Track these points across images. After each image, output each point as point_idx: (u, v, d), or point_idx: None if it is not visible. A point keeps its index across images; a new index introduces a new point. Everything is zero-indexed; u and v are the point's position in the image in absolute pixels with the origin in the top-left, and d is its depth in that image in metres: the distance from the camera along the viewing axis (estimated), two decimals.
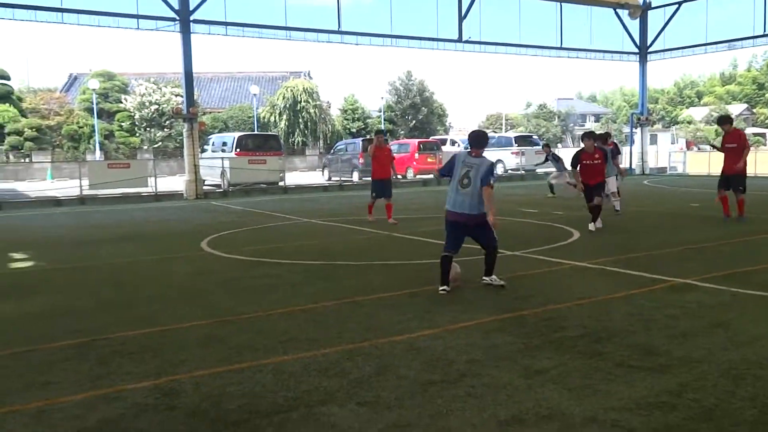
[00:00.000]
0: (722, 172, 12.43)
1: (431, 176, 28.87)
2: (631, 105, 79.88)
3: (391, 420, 3.63)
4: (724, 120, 12.81)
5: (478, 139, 7.03)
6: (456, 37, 26.94)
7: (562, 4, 29.07)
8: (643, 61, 31.97)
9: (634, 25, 31.26)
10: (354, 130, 52.17)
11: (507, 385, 4.11)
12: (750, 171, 26.36)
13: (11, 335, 5.61)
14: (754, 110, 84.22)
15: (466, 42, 27.13)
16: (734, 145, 12.19)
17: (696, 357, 4.54)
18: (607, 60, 32.22)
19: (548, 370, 4.36)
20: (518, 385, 4.10)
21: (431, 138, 42.81)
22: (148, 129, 45.80)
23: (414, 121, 57.45)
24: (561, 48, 29.86)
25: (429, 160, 29.82)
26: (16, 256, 10.30)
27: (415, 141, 32.74)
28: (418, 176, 29.41)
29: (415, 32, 26.47)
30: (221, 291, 7.27)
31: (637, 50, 31.67)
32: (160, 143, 45.29)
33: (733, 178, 12.19)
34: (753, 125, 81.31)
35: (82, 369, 4.59)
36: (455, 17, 26.79)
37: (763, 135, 75.34)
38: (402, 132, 55.68)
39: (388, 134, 49.94)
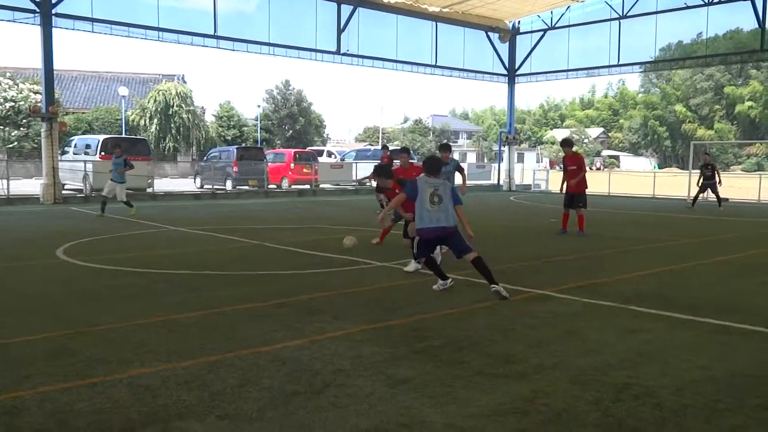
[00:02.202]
0: (565, 191, 13.37)
1: (306, 186, 28.81)
2: (500, 124, 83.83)
3: None
4: (565, 143, 13.84)
5: (436, 164, 7.74)
6: (334, 49, 27.11)
7: (438, 23, 30.03)
8: (511, 83, 33.64)
9: (503, 48, 32.85)
10: (229, 138, 51.07)
11: (370, 394, 4.13)
12: (604, 190, 28.46)
13: None
14: (610, 134, 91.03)
15: (344, 54, 27.36)
16: (573, 166, 13.15)
17: (549, 364, 4.78)
18: (478, 80, 33.60)
19: (411, 379, 4.43)
20: (381, 394, 4.13)
21: (308, 148, 42.74)
22: (2, 127, 42.46)
23: (291, 131, 57.17)
24: (435, 66, 30.80)
25: (305, 170, 29.74)
26: None
27: (292, 151, 32.56)
28: (293, 186, 29.23)
29: (294, 42, 26.36)
30: (75, 301, 6.84)
31: (506, 72, 33.27)
32: (16, 143, 42.12)
33: (575, 196, 13.13)
34: (608, 148, 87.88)
35: None
36: (334, 30, 26.97)
37: (616, 157, 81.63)
38: (278, 142, 55.18)
39: (264, 143, 49.35)
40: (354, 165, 31.01)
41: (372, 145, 54.54)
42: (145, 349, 5.03)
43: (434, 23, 30.00)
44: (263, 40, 25.52)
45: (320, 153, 40.02)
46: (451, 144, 12.30)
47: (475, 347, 5.20)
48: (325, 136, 65.34)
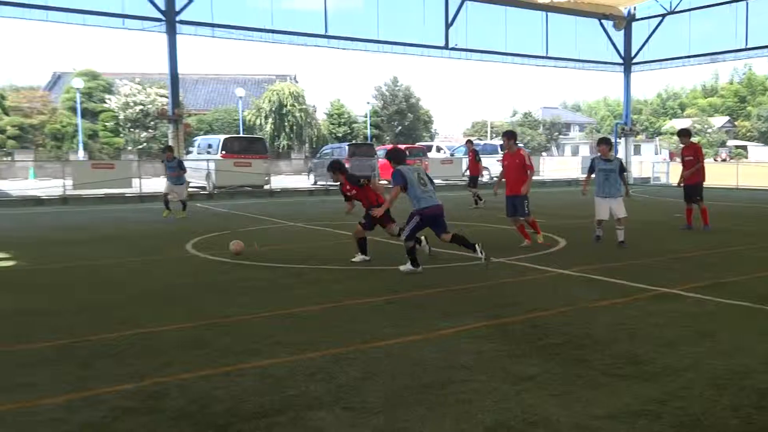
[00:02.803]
0: (684, 184, 12.59)
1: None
2: (615, 115, 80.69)
3: (378, 425, 3.62)
4: (682, 133, 13.02)
5: (401, 153, 8.83)
6: (442, 44, 27.06)
7: (548, 13, 29.30)
8: (627, 72, 32.30)
9: (618, 36, 31.59)
10: (340, 135, 52.13)
11: (493, 391, 4.11)
12: (731, 183, 26.75)
13: None
14: (736, 123, 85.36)
15: (452, 49, 27.26)
16: (690, 157, 12.39)
17: (680, 366, 4.57)
18: (591, 70, 32.53)
19: (534, 377, 4.37)
20: (505, 391, 4.11)
21: (417, 144, 42.89)
22: (132, 130, 45.47)
23: (400, 127, 57.57)
24: (546, 57, 30.10)
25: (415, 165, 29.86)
26: None
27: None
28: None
29: (402, 38, 26.54)
30: (206, 293, 7.22)
31: (621, 61, 31.98)
32: (145, 144, 44.97)
33: (690, 188, 12.44)
34: (735, 138, 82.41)
35: (64, 370, 4.54)
36: (442, 24, 26.92)
37: (744, 148, 76.36)
38: (387, 138, 55.74)
39: (374, 139, 50.07)
40: (464, 160, 30.79)
41: (481, 140, 54.02)
42: (273, 341, 5.24)
43: (545, 13, 29.29)
44: (372, 38, 25.86)
45: (429, 148, 40.06)
46: (607, 138, 10.91)
47: (597, 346, 5.06)
48: (433, 131, 65.37)
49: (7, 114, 44.33)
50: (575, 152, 77.14)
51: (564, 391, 4.10)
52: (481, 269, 8.19)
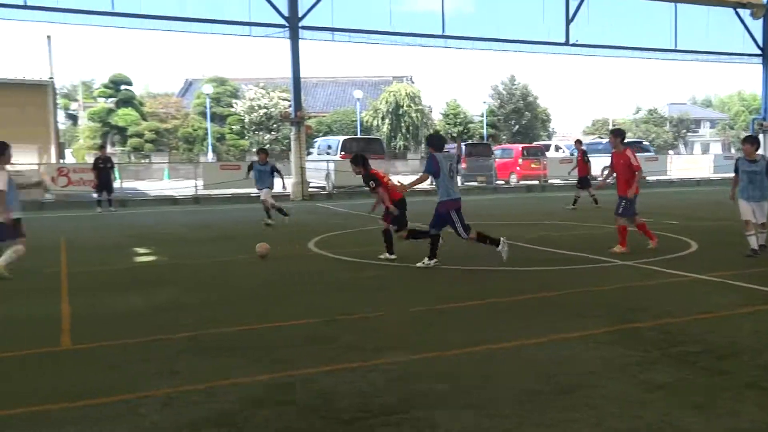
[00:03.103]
0: None
1: (535, 182, 28.37)
2: (750, 110, 75.26)
3: (504, 427, 3.58)
4: None
5: (442, 140, 9.19)
6: (562, 40, 26.33)
7: (677, 4, 27.80)
8: (766, 64, 30.07)
9: (756, 26, 29.45)
10: (455, 135, 51.98)
11: (624, 398, 3.96)
12: None
13: (138, 325, 5.96)
14: None
15: (573, 45, 26.46)
16: None
17: None
18: (725, 62, 30.59)
19: (668, 385, 4.17)
20: (636, 398, 3.95)
21: (534, 143, 42.02)
22: (256, 132, 47.49)
23: (517, 126, 56.61)
24: (675, 50, 28.57)
25: (533, 165, 29.27)
26: (140, 251, 10.94)
27: (519, 146, 32.22)
28: (521, 182, 28.94)
29: (520, 36, 26.08)
30: (329, 290, 7.43)
31: (759, 52, 29.80)
32: (268, 146, 46.85)
33: None
34: None
35: (203, 361, 4.81)
36: (562, 20, 26.19)
37: None
38: (504, 137, 54.99)
39: (490, 139, 49.57)
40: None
41: (602, 138, 52.11)
42: (396, 340, 5.31)
43: (673, 4, 27.80)
44: (489, 36, 25.58)
45: (547, 147, 39.12)
46: (753, 136, 9.81)
47: (740, 356, 4.75)
48: (550, 130, 63.77)
49: (145, 119, 47.55)
50: (705, 150, 72.75)
51: (703, 402, 3.89)
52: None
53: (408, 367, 4.58)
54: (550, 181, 28.79)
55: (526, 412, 3.77)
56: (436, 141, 8.96)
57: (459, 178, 28.07)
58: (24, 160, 21.20)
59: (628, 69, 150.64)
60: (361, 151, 25.66)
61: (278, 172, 14.87)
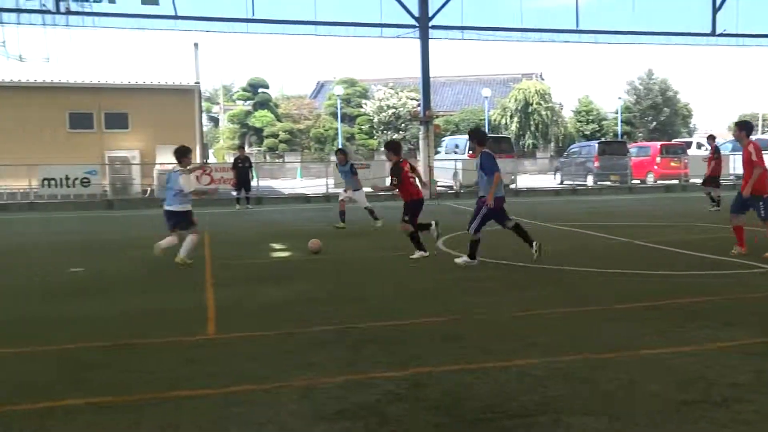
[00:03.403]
0: None
1: (674, 181, 26.88)
2: None
3: None
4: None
5: (486, 135, 9.39)
6: (708, 30, 24.73)
7: None
8: None
9: None
10: (588, 133, 50.24)
11: None
12: None
13: (276, 318, 6.24)
14: None
15: (720, 35, 24.77)
16: None
17: None
18: None
19: None
20: None
21: (674, 141, 39.76)
22: (384, 132, 48.27)
23: (654, 123, 53.83)
24: None
25: (672, 164, 27.72)
26: (277, 246, 11.45)
27: (657, 144, 30.62)
28: (659, 181, 27.50)
29: (660, 27, 24.76)
30: (458, 290, 7.42)
31: None
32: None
33: None
34: None
35: (339, 354, 4.96)
36: (708, 9, 24.59)
37: None
38: (640, 134, 52.47)
39: (625, 137, 47.43)
40: (731, 158, 27.88)
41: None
42: (528, 341, 5.22)
43: None
44: (626, 29, 24.50)
45: (688, 145, 36.88)
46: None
47: None
48: (691, 126, 60.06)
49: (279, 120, 49.68)
50: None
51: None
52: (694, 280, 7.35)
53: (541, 370, 4.49)
54: (691, 180, 27.16)
55: (668, 424, 3.58)
56: (482, 136, 9.21)
57: (591, 177, 27.32)
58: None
59: None
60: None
61: (354, 172, 14.10)
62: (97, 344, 5.34)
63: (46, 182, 21.15)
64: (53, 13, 21.01)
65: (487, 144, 9.08)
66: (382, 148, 45.07)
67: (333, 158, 43.94)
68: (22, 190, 21.63)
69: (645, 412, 3.74)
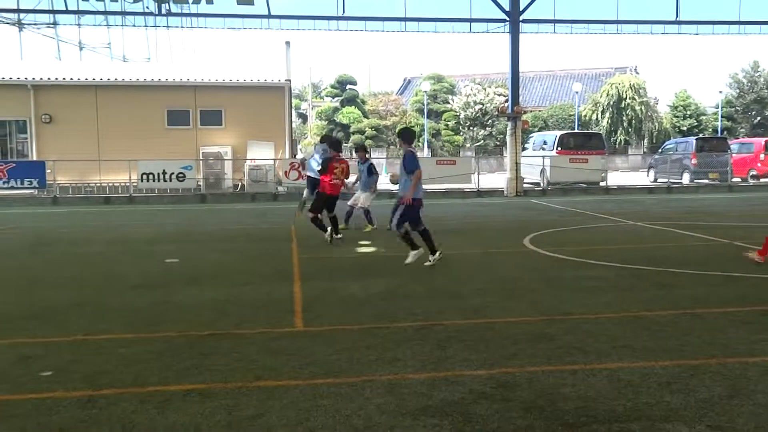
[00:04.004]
0: None
1: None
2: None
3: None
4: None
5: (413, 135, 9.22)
6: None
7: None
8: None
9: None
10: (684, 128, 48.07)
11: None
12: None
13: (361, 312, 6.29)
14: None
15: None
16: None
17: None
18: None
19: None
20: None
21: None
22: (471, 128, 47.85)
23: (758, 118, 50.86)
24: None
25: None
26: (361, 241, 11.54)
27: (762, 140, 28.91)
28: (763, 179, 25.99)
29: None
30: (546, 288, 7.25)
31: None
32: (482, 141, 46.99)
33: None
34: None
35: (424, 350, 4.94)
36: None
37: None
38: (742, 130, 49.73)
39: (725, 132, 45.07)
40: None
41: None
42: (620, 344, 5.03)
43: None
44: (730, 19, 23.26)
45: None
46: None
47: None
48: None
49: (366, 116, 50.11)
50: None
51: None
52: None
53: (635, 374, 4.32)
54: None
55: None
56: (409, 135, 9.15)
57: (687, 175, 26.12)
58: (264, 155, 23.41)
59: None
60: (579, 147, 24.85)
61: (374, 172, 13.12)
62: (193, 333, 5.54)
63: (144, 176, 22.16)
64: (155, 14, 21.99)
65: (413, 144, 9.35)
66: (468, 144, 44.73)
67: (419, 154, 43.99)
68: (123, 184, 22.77)
69: (749, 424, 3.53)
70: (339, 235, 11.03)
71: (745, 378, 4.24)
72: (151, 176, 22.23)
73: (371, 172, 12.95)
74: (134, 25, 24.13)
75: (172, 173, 22.24)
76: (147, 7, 22.08)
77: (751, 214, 15.22)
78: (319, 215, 11.23)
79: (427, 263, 8.63)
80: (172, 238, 12.47)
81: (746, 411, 3.71)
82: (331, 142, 11.87)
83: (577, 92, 46.59)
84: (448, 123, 49.04)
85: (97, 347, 5.21)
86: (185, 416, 3.76)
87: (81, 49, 43.36)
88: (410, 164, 8.65)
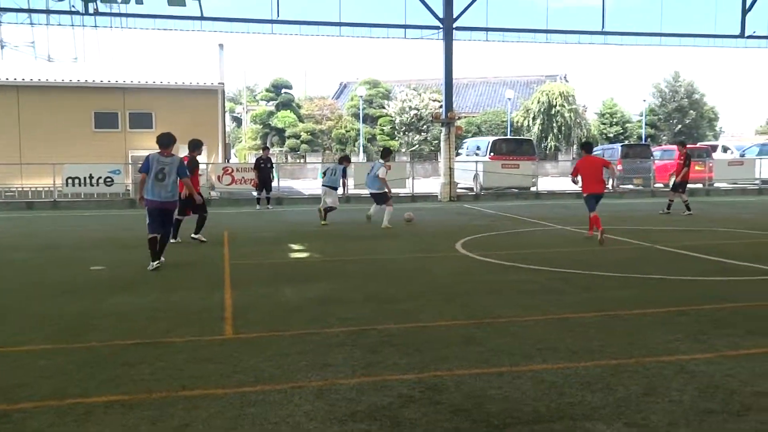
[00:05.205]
0: None
1: (699, 185, 26.50)
2: None
3: None
4: None
5: (170, 139, 9.14)
6: (737, 32, 24.37)
7: None
8: None
9: None
10: (611, 135, 49.75)
11: None
12: None
13: (293, 318, 6.25)
14: None
15: (750, 37, 24.40)
16: None
17: None
18: None
19: None
20: None
21: (699, 144, 39.20)
22: (406, 133, 48.22)
23: (679, 126, 53.15)
24: None
25: (697, 168, 27.28)
26: (296, 246, 11.48)
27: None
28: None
29: (688, 29, 24.48)
30: (477, 292, 7.38)
31: None
32: (417, 146, 47.41)
33: None
34: None
35: (355, 355, 4.95)
36: (737, 10, 24.23)
37: None
38: (665, 137, 51.84)
39: (649, 140, 46.88)
40: (757, 161, 27.46)
41: None
42: (546, 346, 5.17)
43: None
44: (653, 31, 24.23)
45: (714, 148, 36.37)
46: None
47: None
48: (717, 129, 59.19)
49: (301, 121, 49.84)
50: None
51: None
52: None
53: (558, 375, 4.44)
54: (716, 184, 26.80)
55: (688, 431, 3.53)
56: (163, 138, 9.19)
57: (613, 180, 27.01)
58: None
59: None
60: (511, 153, 25.33)
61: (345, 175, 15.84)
62: (118, 342, 5.39)
63: (70, 181, 21.41)
64: (82, 14, 21.28)
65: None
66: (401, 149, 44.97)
67: (354, 159, 44.03)
68: (47, 189, 21.93)
69: (663, 421, 3.69)
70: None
71: (660, 376, 4.43)
72: (77, 181, 21.50)
73: (345, 175, 15.79)
74: (60, 24, 23.23)
75: (100, 177, 21.57)
76: (73, 6, 21.33)
77: (671, 219, 15.87)
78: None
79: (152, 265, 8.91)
80: (99, 244, 12.10)
81: (661, 408, 3.87)
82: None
83: (509, 99, 47.61)
84: (384, 128, 49.28)
85: (16, 359, 5.01)
86: (106, 428, 3.65)
87: (2, 47, 41.62)
88: (183, 170, 9.19)
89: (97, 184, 21.62)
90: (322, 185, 15.44)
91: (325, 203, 15.09)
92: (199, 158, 12.13)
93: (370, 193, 14.82)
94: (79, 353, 5.12)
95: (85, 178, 21.52)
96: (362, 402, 4.00)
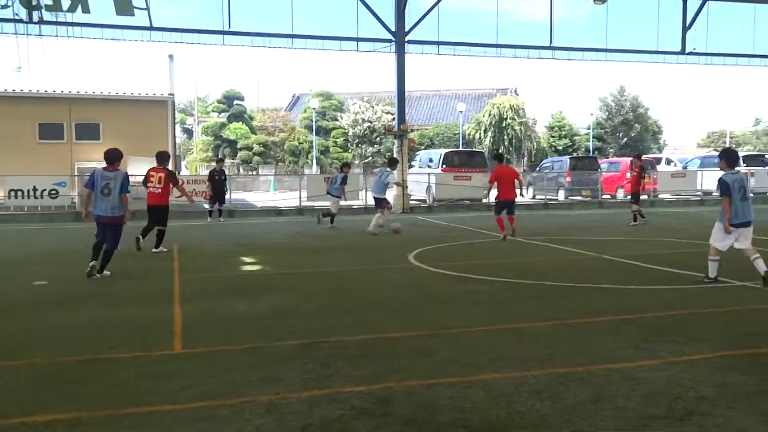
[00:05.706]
0: None
1: (644, 197, 27.23)
2: None
3: None
4: None
5: (116, 155, 9.11)
6: (678, 48, 25.24)
7: None
8: None
9: None
10: (560, 148, 50.80)
11: (742, 429, 3.72)
12: None
13: (244, 332, 6.18)
14: None
15: (690, 54, 25.30)
16: None
17: None
18: None
19: None
20: (756, 431, 3.70)
21: (644, 156, 40.32)
22: (359, 145, 48.34)
23: (625, 139, 54.64)
24: None
25: (643, 180, 28.06)
26: (248, 259, 11.36)
27: (628, 159, 31.02)
28: (629, 196, 27.81)
29: (632, 45, 25.23)
30: (429, 303, 7.43)
31: None
32: (370, 158, 47.54)
33: None
34: None
35: (307, 368, 4.92)
36: (678, 28, 25.11)
37: None
38: (611, 150, 53.21)
39: (596, 152, 48.05)
40: (699, 173, 28.42)
41: (717, 150, 49.28)
42: (496, 355, 5.23)
43: None
44: (599, 47, 24.90)
45: (658, 161, 37.48)
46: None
47: None
48: (661, 142, 61.05)
49: (254, 133, 49.50)
50: None
51: None
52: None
53: (508, 385, 4.50)
54: (660, 195, 27.60)
55: None
56: (110, 154, 9.18)
57: (562, 192, 27.62)
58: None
59: (748, 78, 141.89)
60: (463, 165, 25.78)
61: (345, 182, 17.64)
62: (63, 359, 5.24)
63: (12, 193, 20.77)
64: (26, 22, 20.72)
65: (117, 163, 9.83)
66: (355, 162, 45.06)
67: (307, 171, 43.96)
68: None
69: (610, 426, 3.77)
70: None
71: (607, 383, 4.52)
72: (20, 193, 20.87)
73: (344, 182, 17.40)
74: (3, 33, 22.60)
75: (44, 190, 20.98)
76: (17, 14, 20.77)
77: (618, 229, 16.28)
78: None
79: (93, 272, 9.10)
80: (43, 258, 11.75)
81: (608, 415, 3.96)
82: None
83: (461, 112, 48.19)
84: (337, 140, 49.33)
85: None
86: None
87: None
88: (126, 185, 9.20)
89: (42, 197, 21.03)
90: (326, 192, 18.15)
91: (329, 210, 17.34)
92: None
93: (374, 198, 16.37)
94: (20, 371, 4.96)
95: (28, 191, 20.90)
96: (314, 415, 3.98)
